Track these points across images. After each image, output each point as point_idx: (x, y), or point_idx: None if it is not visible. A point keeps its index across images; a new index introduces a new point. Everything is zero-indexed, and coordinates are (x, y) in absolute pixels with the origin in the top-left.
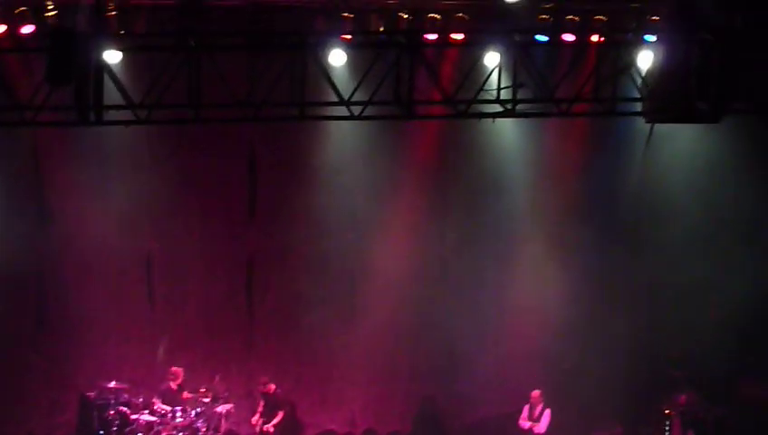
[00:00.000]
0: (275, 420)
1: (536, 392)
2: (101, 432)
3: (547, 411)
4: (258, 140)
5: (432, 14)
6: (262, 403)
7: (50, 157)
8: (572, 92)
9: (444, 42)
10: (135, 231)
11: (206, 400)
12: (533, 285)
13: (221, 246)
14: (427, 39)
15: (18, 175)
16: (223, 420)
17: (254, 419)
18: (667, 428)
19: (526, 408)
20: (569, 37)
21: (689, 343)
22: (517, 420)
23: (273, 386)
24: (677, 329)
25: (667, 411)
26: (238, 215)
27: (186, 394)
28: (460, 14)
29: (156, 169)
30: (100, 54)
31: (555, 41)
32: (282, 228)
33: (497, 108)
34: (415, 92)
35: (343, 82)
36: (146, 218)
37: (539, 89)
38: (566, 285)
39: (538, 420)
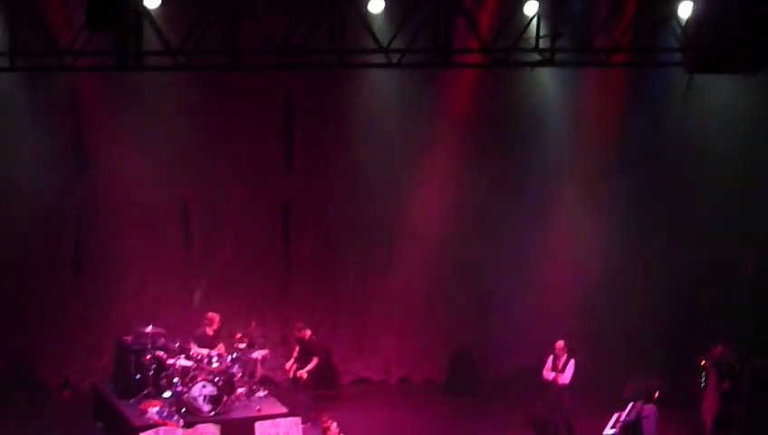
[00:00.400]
0: (309, 366)
1: (560, 343)
2: (138, 377)
3: (571, 362)
4: (296, 87)
5: None
6: (297, 349)
7: (89, 102)
8: (611, 42)
9: None
10: (172, 177)
11: (242, 345)
12: (569, 235)
13: (258, 192)
14: None
15: (57, 120)
16: (258, 366)
17: (289, 364)
18: (702, 379)
19: (550, 359)
20: None
21: (726, 293)
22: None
23: (308, 332)
24: (714, 279)
25: (702, 363)
26: (275, 162)
27: (220, 343)
28: None
29: (194, 116)
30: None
31: None
32: (319, 176)
33: (535, 57)
34: (453, 41)
35: (381, 30)
36: (183, 165)
37: (577, 38)
38: (601, 234)
39: (562, 370)
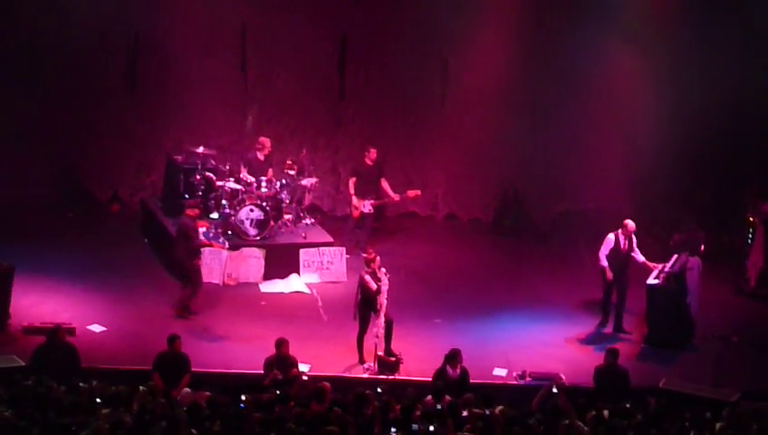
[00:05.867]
0: (382, 201)
1: (633, 224)
2: (186, 196)
3: (635, 241)
4: None
5: None
6: (355, 180)
7: None
8: None
9: None
10: None
11: (292, 172)
12: (622, 96)
13: (317, 19)
14: None
15: None
16: (306, 194)
17: (355, 200)
18: (749, 235)
19: (612, 239)
20: None
21: None
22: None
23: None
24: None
25: (750, 219)
26: None
27: (270, 169)
28: None
29: None
30: None
31: None
32: (378, 7)
33: None
34: None
35: None
36: None
37: None
38: (654, 93)
39: (630, 249)
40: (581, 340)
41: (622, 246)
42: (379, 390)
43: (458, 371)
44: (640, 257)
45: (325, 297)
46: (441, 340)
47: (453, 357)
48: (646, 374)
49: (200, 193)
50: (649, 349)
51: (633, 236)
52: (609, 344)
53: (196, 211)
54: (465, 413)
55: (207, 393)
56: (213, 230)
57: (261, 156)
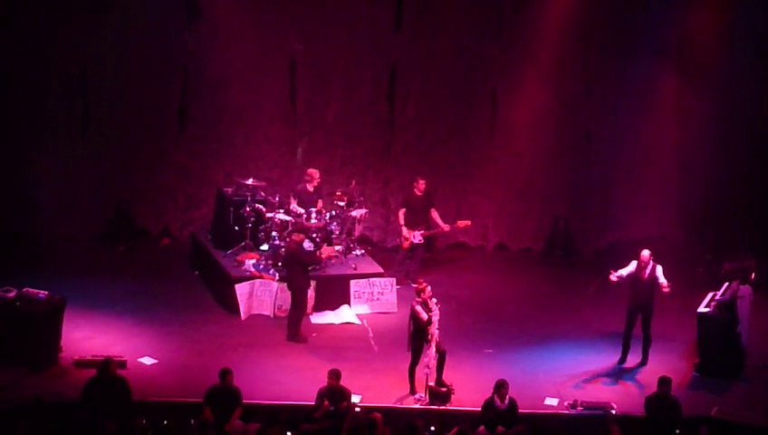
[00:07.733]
0: (432, 232)
1: (647, 253)
2: (236, 228)
3: (659, 269)
4: None
5: None
6: (404, 211)
7: None
8: None
9: None
10: (281, 32)
11: (341, 203)
12: (673, 123)
13: (365, 52)
14: None
15: None
16: (356, 225)
17: (405, 231)
18: None
19: (632, 267)
20: None
21: None
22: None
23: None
24: None
25: None
26: (384, 23)
27: (320, 200)
28: None
29: None
30: None
31: None
32: (426, 39)
33: None
34: None
35: None
36: (292, 20)
37: None
38: (706, 110)
39: (649, 280)
40: (632, 369)
41: (641, 275)
42: (432, 428)
43: (506, 401)
44: (663, 283)
45: (376, 328)
46: (492, 370)
47: (500, 388)
48: (697, 403)
49: (250, 225)
50: (701, 378)
51: (650, 266)
52: (660, 374)
53: (302, 236)
54: None
55: (258, 425)
56: (263, 262)
57: (310, 187)
